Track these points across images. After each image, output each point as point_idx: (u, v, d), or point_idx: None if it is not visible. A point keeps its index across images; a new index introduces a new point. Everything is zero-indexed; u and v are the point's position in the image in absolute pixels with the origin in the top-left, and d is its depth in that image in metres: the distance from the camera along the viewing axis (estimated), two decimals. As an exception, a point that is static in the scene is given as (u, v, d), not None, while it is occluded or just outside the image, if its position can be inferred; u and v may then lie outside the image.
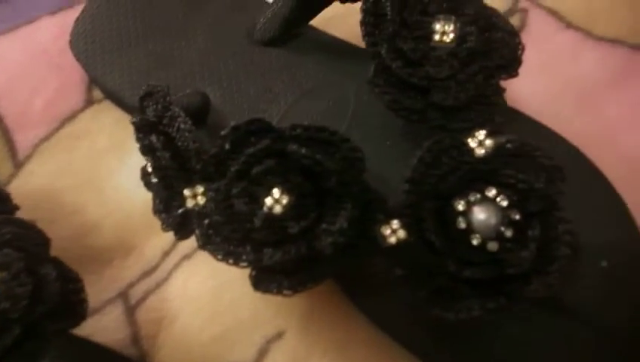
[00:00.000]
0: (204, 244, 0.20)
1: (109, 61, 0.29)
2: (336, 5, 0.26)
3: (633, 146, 0.27)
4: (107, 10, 0.30)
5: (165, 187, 0.21)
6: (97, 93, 0.31)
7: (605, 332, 0.21)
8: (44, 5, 0.34)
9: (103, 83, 0.29)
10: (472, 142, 0.20)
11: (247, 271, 0.26)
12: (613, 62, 0.29)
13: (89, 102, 0.31)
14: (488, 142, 0.20)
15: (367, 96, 0.26)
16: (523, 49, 0.21)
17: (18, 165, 0.29)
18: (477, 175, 0.20)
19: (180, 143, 0.21)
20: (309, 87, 0.27)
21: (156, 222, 0.27)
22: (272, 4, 0.28)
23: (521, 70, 0.30)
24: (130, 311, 0.25)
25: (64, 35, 0.31)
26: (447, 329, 0.22)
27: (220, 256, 0.20)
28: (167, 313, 0.25)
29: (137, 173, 0.28)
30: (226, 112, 0.28)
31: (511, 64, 0.20)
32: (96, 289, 0.26)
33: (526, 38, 0.29)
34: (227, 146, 0.19)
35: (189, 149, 0.20)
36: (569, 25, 0.30)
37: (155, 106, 0.22)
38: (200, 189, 0.20)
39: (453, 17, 0.20)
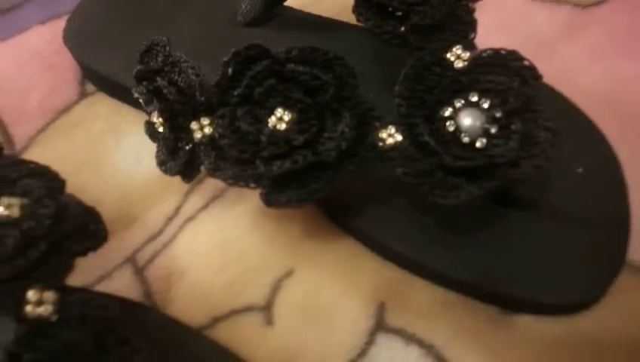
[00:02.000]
0: (214, 170, 0.21)
1: (102, 51, 0.31)
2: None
3: (589, 83, 0.30)
4: (98, 6, 0.32)
5: (172, 128, 0.22)
6: (90, 87, 0.32)
7: (586, 227, 0.23)
8: (34, 19, 0.36)
9: (97, 69, 0.31)
10: (451, 57, 0.22)
11: (254, 222, 0.27)
12: (560, 19, 0.33)
13: (82, 94, 0.32)
14: (465, 55, 0.22)
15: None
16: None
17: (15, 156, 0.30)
18: (459, 84, 0.22)
19: (183, 84, 0.22)
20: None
21: (156, 194, 0.29)
22: (252, -14, 0.31)
23: (483, 29, 0.33)
24: (140, 271, 0.26)
25: (55, 38, 0.33)
26: (441, 226, 0.23)
27: (230, 180, 0.21)
28: (177, 269, 0.26)
29: (133, 153, 0.30)
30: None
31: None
32: (103, 259, 0.26)
33: (480, 5, 0.32)
34: (230, 72, 0.21)
35: (192, 85, 0.22)
36: (518, -10, 0.34)
37: (155, 58, 0.23)
38: (206, 121, 0.21)
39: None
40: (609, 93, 0.30)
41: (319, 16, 0.31)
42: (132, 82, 0.30)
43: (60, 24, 0.33)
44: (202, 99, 0.21)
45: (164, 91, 0.22)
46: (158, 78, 0.22)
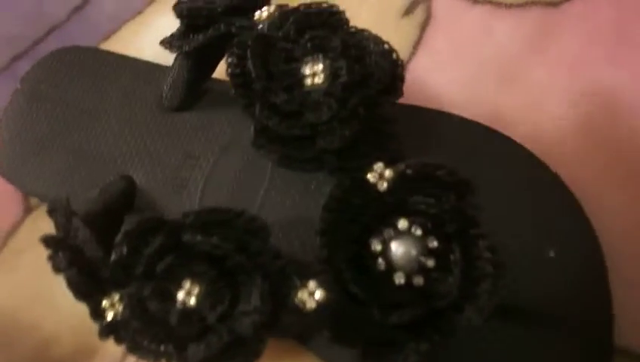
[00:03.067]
0: (132, 351, 0.19)
1: (32, 168, 0.29)
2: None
3: (565, 106, 0.26)
4: (21, 118, 0.30)
5: (87, 301, 0.20)
6: (34, 199, 0.31)
7: (563, 323, 0.20)
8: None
9: (32, 191, 0.29)
10: (372, 178, 0.19)
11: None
12: (527, 27, 0.28)
13: (27, 210, 0.31)
14: (388, 173, 0.19)
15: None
16: (402, 66, 0.20)
17: (-28, 293, 0.29)
18: (386, 209, 0.19)
19: (88, 254, 0.20)
20: (225, 144, 0.27)
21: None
22: (171, 69, 0.28)
23: (436, 60, 0.29)
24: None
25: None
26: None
27: (152, 359, 0.19)
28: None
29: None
30: (152, 190, 0.27)
31: (392, 86, 0.19)
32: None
33: (435, 26, 0.28)
34: (125, 252, 0.18)
35: (96, 259, 0.20)
36: (476, 1, 0.29)
37: (61, 220, 0.21)
38: (116, 296, 0.19)
39: (320, 55, 0.19)
40: (590, 116, 0.26)
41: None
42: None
43: None
44: (107, 275, 0.19)
45: (67, 273, 0.20)
46: (59, 254, 0.20)
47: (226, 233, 0.18)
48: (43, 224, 0.30)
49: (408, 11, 0.29)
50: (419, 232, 0.18)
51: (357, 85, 0.19)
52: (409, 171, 0.18)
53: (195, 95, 0.28)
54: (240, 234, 0.18)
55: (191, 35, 0.22)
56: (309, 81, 0.19)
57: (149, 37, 0.34)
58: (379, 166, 0.19)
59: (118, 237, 0.19)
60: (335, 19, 0.19)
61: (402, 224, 0.18)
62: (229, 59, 0.19)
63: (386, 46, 0.20)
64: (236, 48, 0.19)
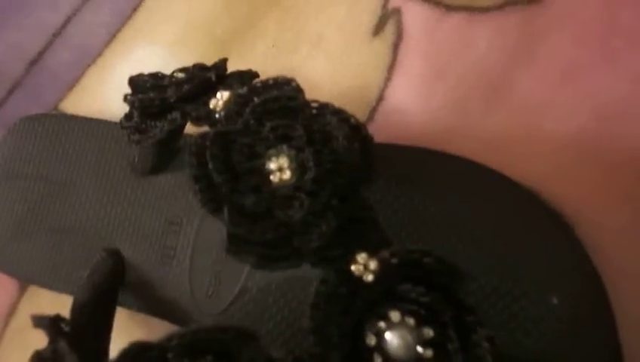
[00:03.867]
0: None
1: (15, 251, 0.28)
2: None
3: (560, 121, 0.25)
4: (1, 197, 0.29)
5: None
6: (26, 275, 0.30)
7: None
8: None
9: (19, 275, 0.29)
10: (357, 270, 0.18)
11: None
12: (509, 32, 0.26)
13: (22, 288, 0.30)
14: (372, 264, 0.18)
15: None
16: (371, 139, 0.18)
17: (-14, 377, 0.29)
18: (375, 299, 0.18)
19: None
20: (206, 207, 0.26)
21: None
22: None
23: (414, 85, 0.27)
24: None
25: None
26: None
27: None
28: None
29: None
30: (140, 262, 0.26)
31: (364, 168, 0.18)
32: None
33: (409, 44, 0.26)
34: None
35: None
36: (449, 7, 0.27)
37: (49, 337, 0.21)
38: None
39: (284, 147, 0.18)
40: (586, 129, 0.24)
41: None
42: (54, 283, 0.28)
43: None
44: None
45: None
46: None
47: (215, 350, 0.17)
48: (39, 300, 0.30)
49: (378, 28, 0.27)
50: (412, 322, 0.17)
51: (327, 175, 0.18)
52: (394, 260, 0.17)
53: (166, 157, 0.27)
54: (229, 349, 0.18)
55: (146, 123, 0.21)
56: (276, 178, 0.18)
57: (114, 84, 0.32)
58: (362, 257, 0.18)
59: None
60: (294, 103, 0.18)
61: (394, 316, 0.17)
62: (189, 161, 0.18)
63: (352, 121, 0.18)
64: (194, 148, 0.18)
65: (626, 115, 0.24)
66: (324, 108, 0.18)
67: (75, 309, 0.24)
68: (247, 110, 0.18)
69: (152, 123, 0.21)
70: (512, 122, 0.25)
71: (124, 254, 0.27)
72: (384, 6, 0.28)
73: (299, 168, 0.18)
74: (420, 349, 0.17)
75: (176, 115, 0.20)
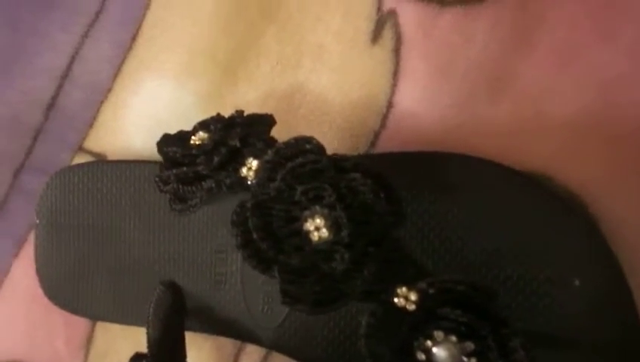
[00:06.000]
0: None
1: (76, 293, 0.31)
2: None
3: (563, 105, 0.26)
4: (50, 251, 0.32)
5: None
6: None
7: (595, 352, 0.22)
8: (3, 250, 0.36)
9: (87, 314, 0.32)
10: (399, 302, 0.20)
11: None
12: (505, 21, 0.26)
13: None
14: (412, 295, 0.20)
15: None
16: (392, 189, 0.20)
17: (81, 400, 0.34)
18: (418, 323, 0.20)
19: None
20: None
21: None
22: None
23: (420, 87, 0.28)
24: None
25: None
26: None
27: None
28: None
29: None
30: (195, 291, 0.29)
31: (394, 212, 0.20)
32: None
33: (409, 48, 0.27)
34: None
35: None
36: (443, 3, 0.27)
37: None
38: None
39: (317, 208, 0.19)
40: (590, 111, 0.25)
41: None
42: (119, 318, 0.31)
43: (32, 250, 0.33)
44: None
45: None
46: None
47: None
48: (113, 326, 0.33)
49: (376, 34, 0.28)
50: (454, 338, 0.20)
51: (360, 227, 0.19)
52: (431, 290, 0.20)
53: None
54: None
55: (184, 190, 0.23)
56: (315, 236, 0.20)
57: (132, 120, 0.33)
58: (402, 291, 0.20)
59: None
60: (319, 165, 0.19)
61: (438, 335, 0.20)
62: (232, 232, 0.20)
63: (373, 171, 0.20)
64: (236, 218, 0.20)
65: (629, 89, 0.25)
66: (345, 161, 0.20)
67: (151, 346, 0.27)
68: (278, 177, 0.20)
69: (189, 188, 0.22)
70: (518, 110, 0.26)
71: (179, 282, 0.29)
72: (379, 9, 0.28)
73: (334, 225, 0.19)
74: (465, 359, 0.20)
75: (210, 183, 0.21)
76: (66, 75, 0.35)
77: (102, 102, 0.34)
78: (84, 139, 0.35)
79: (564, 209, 0.24)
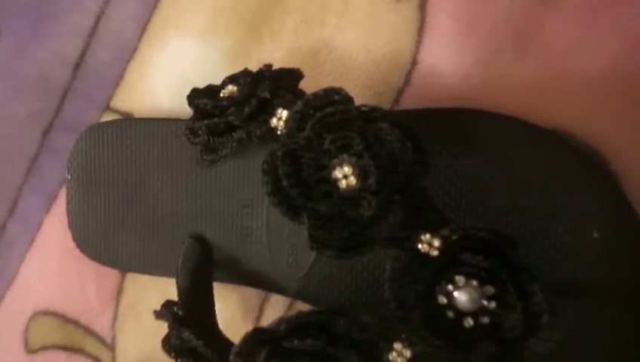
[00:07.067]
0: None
1: (108, 246, 0.32)
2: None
3: (591, 61, 0.26)
4: (82, 206, 0.33)
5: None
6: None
7: (609, 300, 0.23)
8: (36, 207, 0.37)
9: (119, 266, 0.33)
10: (423, 248, 0.21)
11: None
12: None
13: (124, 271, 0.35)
14: (436, 242, 0.21)
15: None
16: (418, 139, 0.20)
17: (112, 348, 0.35)
18: (441, 268, 0.21)
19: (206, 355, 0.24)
20: (272, 189, 0.29)
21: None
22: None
23: (445, 44, 0.29)
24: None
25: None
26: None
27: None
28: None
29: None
30: (222, 243, 0.30)
31: (420, 161, 0.20)
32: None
33: (434, 2, 0.27)
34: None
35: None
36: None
37: (173, 326, 0.25)
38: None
39: (345, 156, 0.20)
40: (617, 68, 0.25)
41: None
42: (150, 269, 0.32)
43: (63, 205, 0.34)
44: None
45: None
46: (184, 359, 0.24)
47: (316, 327, 0.21)
48: (141, 279, 0.35)
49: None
50: (475, 283, 0.21)
51: (387, 175, 0.20)
52: (454, 237, 0.20)
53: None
54: (326, 324, 0.22)
55: (214, 141, 0.23)
56: (343, 184, 0.20)
57: (158, 79, 0.34)
58: (426, 237, 0.21)
59: (232, 356, 0.22)
60: (348, 115, 0.20)
61: (460, 280, 0.21)
62: (265, 179, 0.21)
63: (401, 122, 0.20)
64: (266, 167, 0.21)
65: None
66: (374, 112, 0.20)
67: (182, 294, 0.29)
68: (307, 126, 0.20)
69: (219, 139, 0.23)
70: (544, 67, 0.26)
71: (207, 236, 0.30)
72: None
73: (362, 173, 0.20)
74: (484, 302, 0.21)
75: (241, 133, 0.22)
76: (92, 34, 0.35)
77: (128, 61, 0.35)
78: (111, 98, 0.36)
79: (585, 164, 0.24)
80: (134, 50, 0.35)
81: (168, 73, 0.33)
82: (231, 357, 0.23)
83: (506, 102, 0.26)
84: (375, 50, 0.29)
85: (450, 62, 0.27)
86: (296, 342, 0.21)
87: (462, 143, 0.26)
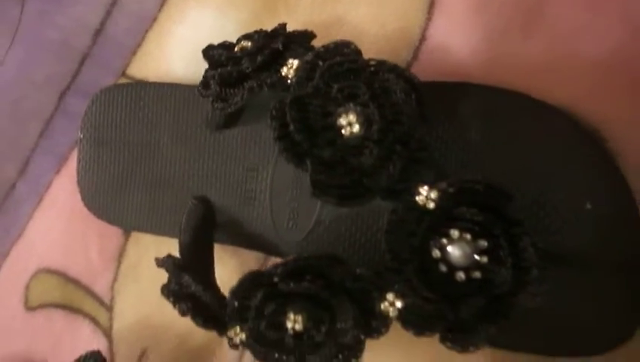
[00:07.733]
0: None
1: (116, 205, 0.33)
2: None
3: (595, 43, 0.26)
4: (93, 164, 0.34)
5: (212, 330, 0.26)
6: (127, 223, 0.36)
7: (603, 270, 0.24)
8: (47, 168, 0.38)
9: (122, 224, 0.34)
10: (420, 201, 0.22)
11: None
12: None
13: (126, 233, 0.36)
14: (433, 194, 0.21)
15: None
16: (418, 82, 0.21)
17: (109, 309, 0.36)
18: (436, 222, 0.22)
19: (203, 299, 0.25)
20: (277, 152, 0.30)
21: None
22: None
23: (454, 21, 0.29)
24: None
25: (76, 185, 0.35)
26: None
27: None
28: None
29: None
30: (226, 205, 0.31)
31: (421, 116, 0.21)
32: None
33: None
34: (235, 306, 0.23)
35: (211, 305, 0.24)
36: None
37: (173, 275, 0.26)
38: (238, 328, 0.24)
39: (351, 105, 0.21)
40: (622, 50, 0.26)
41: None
42: (154, 228, 0.33)
43: (73, 167, 0.35)
44: (224, 314, 0.24)
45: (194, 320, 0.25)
46: (182, 304, 0.25)
47: (312, 272, 0.22)
48: (144, 240, 0.35)
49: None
50: (468, 237, 0.21)
51: (390, 125, 0.21)
52: (451, 189, 0.21)
53: (235, 113, 0.30)
54: (322, 270, 0.22)
55: (226, 92, 0.24)
56: (347, 131, 0.21)
57: (175, 48, 0.35)
58: (424, 189, 0.21)
59: (228, 296, 0.23)
60: (356, 65, 0.21)
61: (454, 233, 0.21)
62: (272, 125, 0.22)
63: (407, 75, 0.21)
64: (275, 112, 0.22)
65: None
66: (382, 65, 0.21)
67: (183, 249, 0.29)
68: (316, 75, 0.21)
69: (231, 91, 0.24)
70: (549, 47, 0.27)
71: (211, 200, 0.31)
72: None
73: (366, 121, 0.21)
74: (476, 257, 0.21)
75: (252, 83, 0.23)
76: (114, 3, 0.37)
77: (147, 30, 0.36)
78: (127, 65, 0.37)
79: (582, 138, 0.25)
80: (154, 20, 0.36)
81: (184, 43, 0.35)
82: (227, 297, 0.23)
83: (511, 79, 0.27)
84: (386, 25, 0.30)
85: (458, 39, 0.28)
86: (292, 284, 0.22)
87: (465, 115, 0.26)
